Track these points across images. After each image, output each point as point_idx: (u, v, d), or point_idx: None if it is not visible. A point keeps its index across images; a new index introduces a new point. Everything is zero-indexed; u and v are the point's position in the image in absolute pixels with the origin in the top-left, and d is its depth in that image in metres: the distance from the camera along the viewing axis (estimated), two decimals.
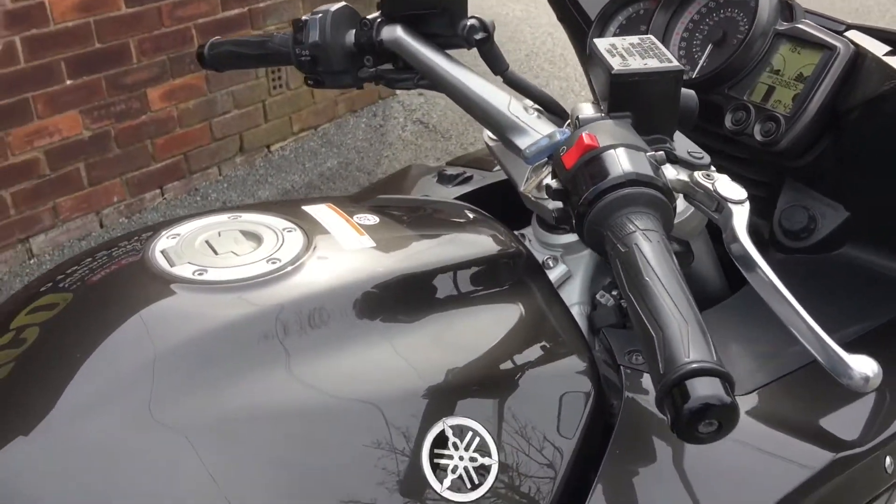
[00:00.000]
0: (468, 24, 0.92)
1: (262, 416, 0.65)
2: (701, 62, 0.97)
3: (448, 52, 0.95)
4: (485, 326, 0.76)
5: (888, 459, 0.86)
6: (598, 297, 0.90)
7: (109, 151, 3.11)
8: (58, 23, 2.83)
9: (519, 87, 0.94)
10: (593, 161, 0.65)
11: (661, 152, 0.67)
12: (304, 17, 1.02)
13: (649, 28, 1.01)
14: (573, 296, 0.90)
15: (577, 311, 0.89)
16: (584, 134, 0.67)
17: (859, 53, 0.87)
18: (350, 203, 0.87)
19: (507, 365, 0.74)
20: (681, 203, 0.84)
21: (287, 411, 0.66)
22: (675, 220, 0.84)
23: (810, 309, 0.79)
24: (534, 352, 0.77)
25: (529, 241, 0.96)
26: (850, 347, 0.82)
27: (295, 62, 1.01)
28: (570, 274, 0.91)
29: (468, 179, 1.10)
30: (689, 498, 0.71)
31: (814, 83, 0.87)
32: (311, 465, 0.65)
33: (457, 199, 1.08)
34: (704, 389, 0.53)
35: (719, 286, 0.90)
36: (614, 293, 0.92)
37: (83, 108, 2.99)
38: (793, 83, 0.89)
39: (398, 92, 4.19)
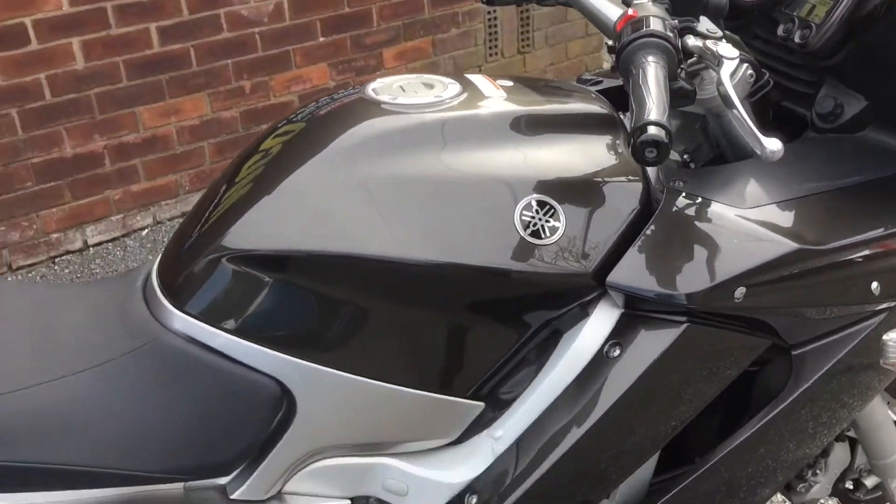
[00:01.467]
0: None
1: (420, 178, 1.08)
2: None
3: None
4: (574, 148, 1.14)
5: (874, 283, 1.15)
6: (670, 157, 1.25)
7: None
8: None
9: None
10: (631, 24, 1.01)
11: (676, 21, 1.02)
12: None
13: None
14: None
15: None
16: (629, 9, 1.04)
17: None
18: (499, 75, 1.28)
19: (583, 172, 1.12)
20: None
21: (434, 177, 1.08)
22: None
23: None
24: (605, 169, 1.13)
25: (627, 114, 1.31)
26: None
27: None
28: None
29: (598, 83, 1.47)
30: (691, 260, 1.05)
31: (837, 1, 1.16)
32: (445, 205, 1.06)
33: None
34: (653, 131, 0.89)
35: None
36: (685, 157, 1.27)
37: (331, 61, 3.60)
38: (828, 1, 1.19)
39: (605, 66, 4.53)
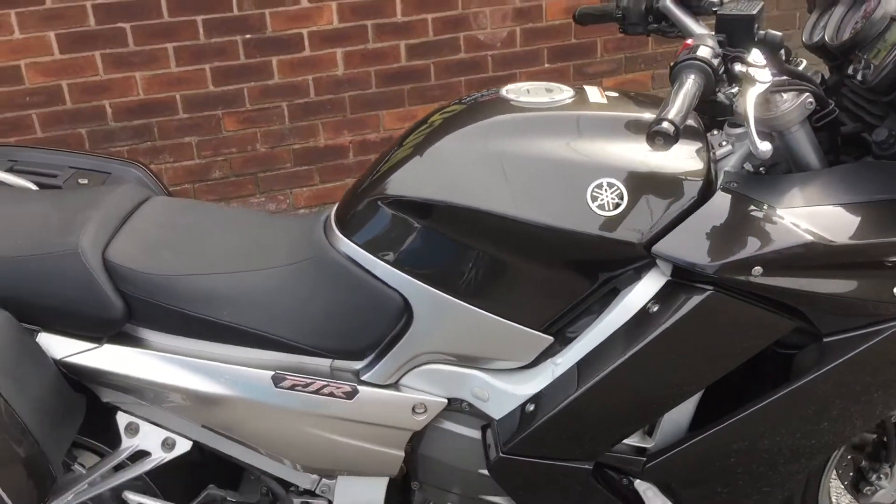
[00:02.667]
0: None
1: (525, 157, 1.44)
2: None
3: (698, 16, 1.62)
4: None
5: None
6: (744, 165, 1.49)
7: None
8: (548, 20, 3.85)
9: None
10: (687, 49, 1.29)
11: (720, 49, 1.29)
12: None
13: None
14: (730, 163, 1.50)
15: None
16: (689, 40, 1.32)
17: None
18: (609, 88, 1.60)
19: (653, 166, 1.41)
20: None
21: (536, 156, 1.43)
22: (769, 115, 1.42)
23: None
24: (675, 166, 1.42)
25: (721, 131, 1.57)
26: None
27: (614, 17, 1.75)
28: (733, 151, 1.51)
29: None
30: (722, 240, 1.31)
31: (895, 46, 1.36)
32: (541, 178, 1.41)
33: None
34: (664, 125, 1.18)
35: (817, 165, 1.43)
36: (761, 169, 1.51)
37: None
38: (891, 47, 1.38)
39: None
